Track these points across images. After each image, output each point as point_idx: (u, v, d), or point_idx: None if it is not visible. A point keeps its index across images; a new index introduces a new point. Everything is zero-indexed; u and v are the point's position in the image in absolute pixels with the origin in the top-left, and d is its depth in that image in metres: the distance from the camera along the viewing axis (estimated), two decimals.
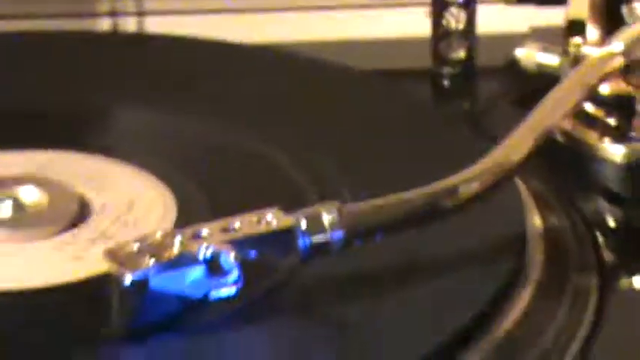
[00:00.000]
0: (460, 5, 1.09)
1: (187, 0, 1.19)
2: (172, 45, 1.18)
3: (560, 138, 1.02)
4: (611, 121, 1.03)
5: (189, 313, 0.86)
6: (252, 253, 0.86)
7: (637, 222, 1.02)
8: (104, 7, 1.15)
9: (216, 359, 0.88)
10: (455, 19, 1.09)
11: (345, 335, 0.88)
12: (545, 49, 1.08)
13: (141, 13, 1.16)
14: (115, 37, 1.17)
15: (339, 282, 0.90)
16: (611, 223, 1.02)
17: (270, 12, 1.16)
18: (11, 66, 1.13)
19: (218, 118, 1.07)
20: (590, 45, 1.05)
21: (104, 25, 1.17)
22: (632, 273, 0.97)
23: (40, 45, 1.15)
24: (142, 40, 1.16)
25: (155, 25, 1.19)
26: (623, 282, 0.97)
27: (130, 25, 1.17)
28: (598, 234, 0.99)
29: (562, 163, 1.03)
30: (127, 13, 1.17)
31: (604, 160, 1.03)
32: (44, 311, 0.90)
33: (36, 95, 1.10)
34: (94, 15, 1.15)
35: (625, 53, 1.00)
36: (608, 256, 0.97)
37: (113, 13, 1.14)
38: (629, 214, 1.02)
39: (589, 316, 0.91)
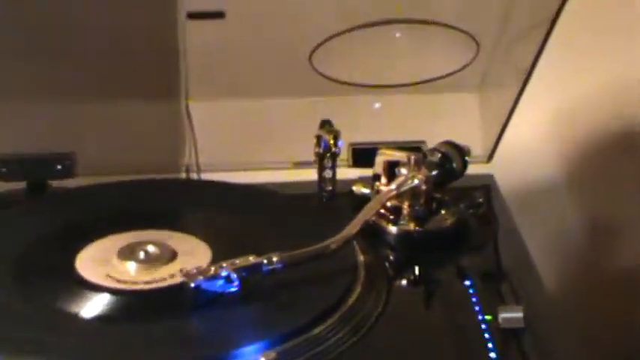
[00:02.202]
0: (330, 169, 1.07)
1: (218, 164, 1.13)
2: (210, 185, 1.10)
3: (371, 222, 0.99)
4: (391, 216, 1.01)
5: (218, 298, 0.86)
6: (244, 274, 0.86)
7: (403, 258, 0.98)
8: (182, 168, 1.12)
9: (228, 312, 0.86)
10: (327, 174, 1.08)
11: (263, 309, 0.88)
12: (364, 187, 1.06)
13: (199, 169, 1.13)
14: (190, 182, 1.14)
15: (266, 287, 0.88)
16: (392, 259, 0.99)
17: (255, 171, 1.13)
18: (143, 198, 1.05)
19: (233, 218, 1.00)
20: (382, 185, 1.03)
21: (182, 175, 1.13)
22: (401, 280, 0.96)
23: (153, 185, 1.08)
24: (201, 183, 1.13)
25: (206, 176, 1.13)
26: (398, 286, 0.95)
27: (194, 175, 1.13)
28: (387, 264, 0.97)
29: (372, 234, 0.99)
30: (190, 169, 1.13)
31: (388, 232, 1.01)
32: (160, 298, 0.89)
33: (151, 205, 1.03)
34: (177, 171, 1.12)
35: (396, 190, 1.00)
36: (390, 272, 0.96)
37: (188, 170, 1.12)
38: (399, 255, 0.99)
39: (383, 299, 0.91)
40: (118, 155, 1.11)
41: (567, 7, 0.96)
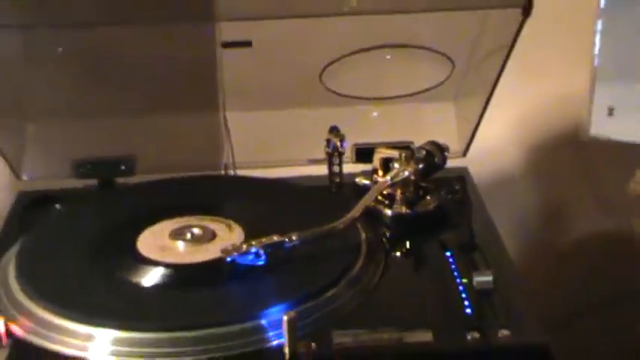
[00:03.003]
0: (337, 165, 1.06)
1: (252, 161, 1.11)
2: (243, 179, 1.09)
3: (371, 207, 0.97)
4: (387, 201, 1.00)
5: (250, 270, 0.86)
6: (269, 250, 0.86)
7: (396, 235, 0.97)
8: (220, 166, 1.09)
9: (257, 280, 0.86)
10: (335, 169, 1.06)
11: (285, 277, 0.87)
12: (365, 179, 1.04)
13: (234, 167, 1.10)
14: (226, 177, 1.10)
15: (286, 259, 0.87)
16: (388, 235, 0.97)
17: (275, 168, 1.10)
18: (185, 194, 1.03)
19: (261, 205, 0.99)
20: (380, 177, 1.02)
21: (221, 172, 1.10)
22: (395, 252, 0.94)
23: (198, 180, 1.06)
24: (236, 178, 1.10)
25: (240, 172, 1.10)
26: (393, 257, 0.93)
27: (231, 172, 1.10)
28: (384, 240, 0.96)
29: (371, 216, 0.98)
30: (228, 167, 1.10)
31: (385, 215, 0.99)
32: (203, 270, 0.88)
33: (195, 196, 1.02)
34: (217, 169, 1.10)
35: (390, 180, 0.99)
36: (387, 246, 0.95)
37: (226, 168, 1.09)
38: (393, 233, 0.98)
39: (381, 268, 0.91)
40: (170, 157, 1.09)
41: (523, 33, 0.96)
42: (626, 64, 0.99)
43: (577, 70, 1.06)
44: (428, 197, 1.02)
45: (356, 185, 1.05)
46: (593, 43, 1.02)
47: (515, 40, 0.97)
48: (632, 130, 1.00)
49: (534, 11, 0.94)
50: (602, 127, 1.02)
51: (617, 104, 1.00)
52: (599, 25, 1.00)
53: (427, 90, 1.11)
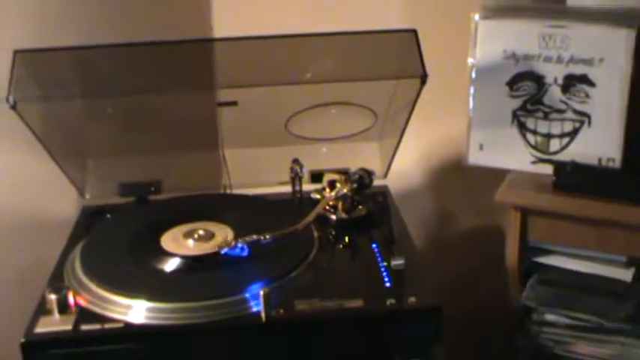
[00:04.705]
0: (298, 185, 1.03)
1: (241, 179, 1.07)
2: (235, 196, 1.05)
3: (321, 214, 0.95)
4: (332, 210, 0.98)
5: (237, 259, 0.86)
6: (251, 245, 0.86)
7: (339, 234, 0.95)
8: (220, 186, 1.06)
9: (242, 266, 0.85)
10: (296, 188, 1.04)
11: (262, 264, 0.85)
12: (317, 194, 1.01)
13: (230, 187, 1.06)
14: (222, 194, 1.06)
15: (263, 251, 0.86)
16: (333, 234, 0.95)
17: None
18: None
19: (246, 213, 0.97)
20: (327, 193, 0.99)
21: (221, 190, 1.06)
22: (338, 245, 0.94)
23: (203, 197, 1.02)
24: (231, 195, 1.05)
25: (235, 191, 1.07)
26: (336, 248, 0.92)
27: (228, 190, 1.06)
28: (330, 237, 0.95)
29: (321, 220, 0.95)
30: (226, 187, 1.06)
31: (330, 219, 0.97)
32: (205, 259, 0.87)
33: (201, 208, 0.97)
34: (218, 189, 1.06)
35: (334, 196, 0.98)
36: (332, 241, 0.94)
37: (224, 188, 1.06)
38: (337, 232, 0.96)
39: (328, 257, 0.90)
40: (185, 181, 1.07)
41: (422, 94, 0.96)
42: (490, 116, 1.00)
43: (458, 119, 1.05)
44: (360, 207, 1.00)
45: (311, 199, 1.03)
46: (468, 101, 1.03)
47: (416, 99, 0.97)
48: (495, 159, 1.00)
49: (429, 81, 0.95)
50: (475, 158, 1.03)
51: (485, 142, 1.01)
52: (472, 90, 1.02)
53: (359, 133, 1.10)
